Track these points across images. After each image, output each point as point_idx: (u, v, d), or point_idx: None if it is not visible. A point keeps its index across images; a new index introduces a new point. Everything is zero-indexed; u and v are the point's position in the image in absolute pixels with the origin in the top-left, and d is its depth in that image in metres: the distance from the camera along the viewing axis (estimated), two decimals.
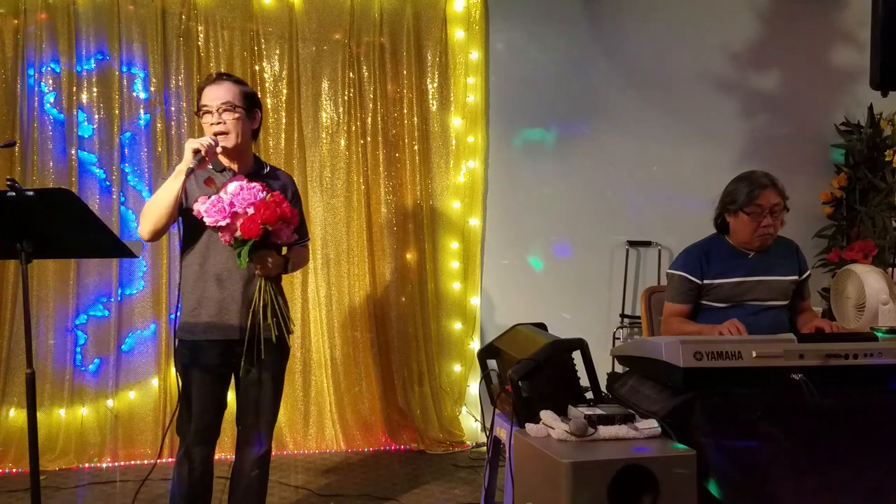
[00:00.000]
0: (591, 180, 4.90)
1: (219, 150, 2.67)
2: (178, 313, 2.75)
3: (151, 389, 4.31)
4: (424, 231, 4.65)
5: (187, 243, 2.77)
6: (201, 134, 2.76)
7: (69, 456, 4.16)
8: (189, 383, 2.72)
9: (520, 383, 2.41)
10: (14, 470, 4.03)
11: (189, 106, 4.30)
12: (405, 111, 4.63)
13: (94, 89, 4.27)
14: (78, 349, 4.25)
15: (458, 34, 4.69)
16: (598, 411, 2.32)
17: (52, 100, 4.23)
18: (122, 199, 4.30)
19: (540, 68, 4.83)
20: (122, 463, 4.22)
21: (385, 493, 3.83)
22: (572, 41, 4.86)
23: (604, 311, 4.89)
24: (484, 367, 2.92)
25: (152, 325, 4.33)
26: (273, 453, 2.92)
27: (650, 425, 2.29)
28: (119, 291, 4.29)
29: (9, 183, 2.18)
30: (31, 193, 2.16)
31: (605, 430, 2.27)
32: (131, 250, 2.47)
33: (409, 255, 4.66)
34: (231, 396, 2.84)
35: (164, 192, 2.61)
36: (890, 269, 4.48)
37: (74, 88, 4.23)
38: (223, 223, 2.53)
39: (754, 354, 2.37)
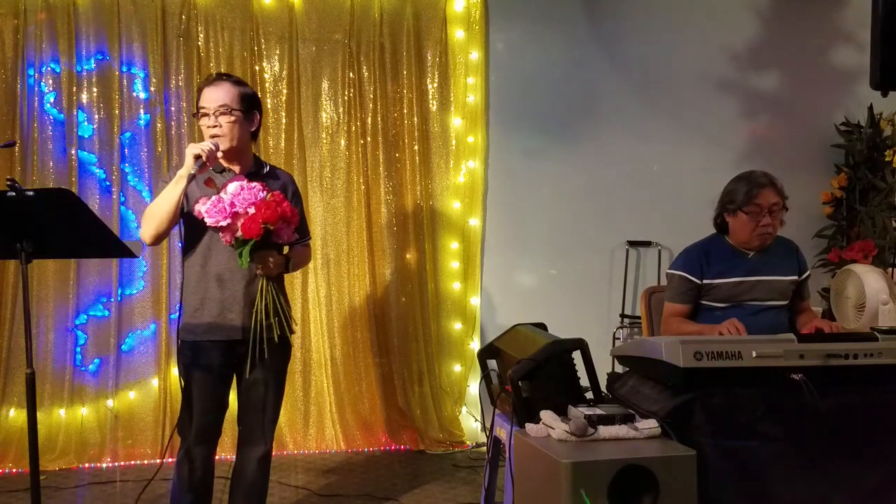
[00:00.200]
0: (591, 180, 4.90)
1: (219, 154, 2.68)
2: (181, 314, 2.76)
3: (151, 389, 4.31)
4: (424, 231, 4.65)
5: (189, 244, 2.77)
6: (200, 135, 2.77)
7: (69, 456, 4.16)
8: (191, 383, 2.73)
9: (520, 383, 2.41)
10: (14, 470, 4.03)
11: (189, 106, 4.30)
12: (405, 111, 4.62)
13: (94, 89, 4.27)
14: (78, 349, 4.25)
15: (458, 34, 4.69)
16: (598, 411, 2.32)
17: (52, 100, 4.23)
18: (122, 199, 4.29)
19: (540, 68, 4.83)
20: (122, 463, 4.22)
21: (385, 493, 3.83)
22: (572, 41, 4.86)
23: (604, 311, 4.89)
24: (484, 367, 2.92)
25: (152, 325, 4.33)
26: (273, 453, 2.92)
27: (650, 425, 2.29)
28: (119, 291, 4.29)
29: (9, 183, 2.18)
30: (31, 193, 2.16)
31: (605, 430, 2.27)
32: (131, 250, 2.48)
33: (409, 255, 4.66)
34: (232, 396, 2.85)
35: (166, 197, 2.62)
36: (890, 269, 4.48)
37: (74, 88, 4.23)
38: (224, 223, 2.53)
39: (754, 354, 2.37)
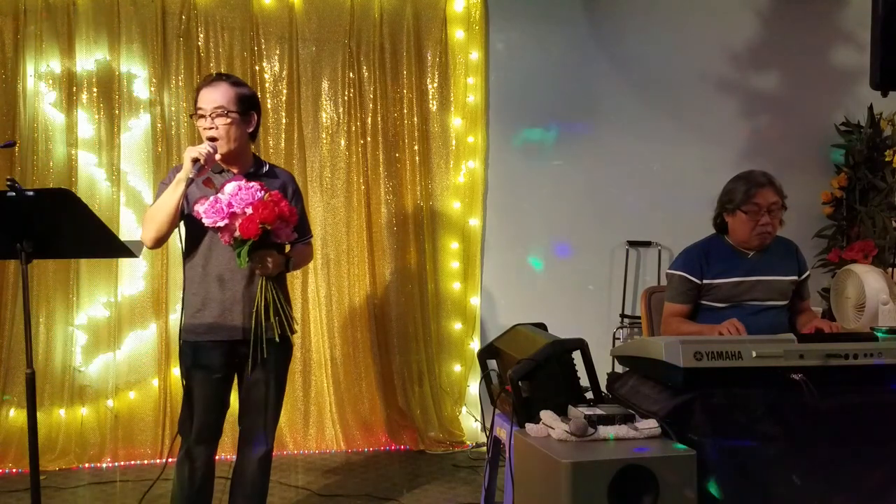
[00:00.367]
0: (591, 180, 4.90)
1: (217, 157, 2.68)
2: (182, 314, 2.76)
3: (151, 389, 4.31)
4: (424, 231, 4.65)
5: (190, 245, 2.78)
6: (200, 135, 2.76)
7: (69, 456, 4.16)
8: (192, 383, 2.73)
9: (520, 383, 2.41)
10: (14, 470, 4.03)
11: (189, 106, 4.30)
12: (405, 111, 4.62)
13: (94, 89, 4.26)
14: (78, 349, 4.25)
15: (458, 34, 4.69)
16: (598, 411, 2.32)
17: (52, 100, 4.23)
18: (122, 199, 4.30)
19: (540, 68, 4.83)
20: (122, 463, 4.22)
21: (385, 493, 3.83)
22: (572, 41, 4.86)
23: (604, 311, 4.89)
24: (484, 367, 2.92)
25: (152, 325, 4.33)
26: (273, 453, 2.91)
27: (650, 425, 2.29)
28: (119, 291, 4.29)
29: (9, 183, 2.18)
30: (31, 193, 2.16)
31: (605, 430, 2.27)
32: (131, 250, 2.48)
33: (409, 255, 4.66)
34: (233, 396, 2.85)
35: (165, 200, 2.62)
36: (890, 269, 4.48)
37: (74, 88, 4.23)
38: (221, 224, 2.54)
39: (754, 354, 2.37)
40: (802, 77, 5.09)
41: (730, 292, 3.08)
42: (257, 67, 4.45)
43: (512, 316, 4.56)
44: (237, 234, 2.54)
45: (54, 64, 4.22)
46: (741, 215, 3.07)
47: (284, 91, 4.49)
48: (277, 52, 4.48)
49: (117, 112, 4.27)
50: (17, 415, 4.14)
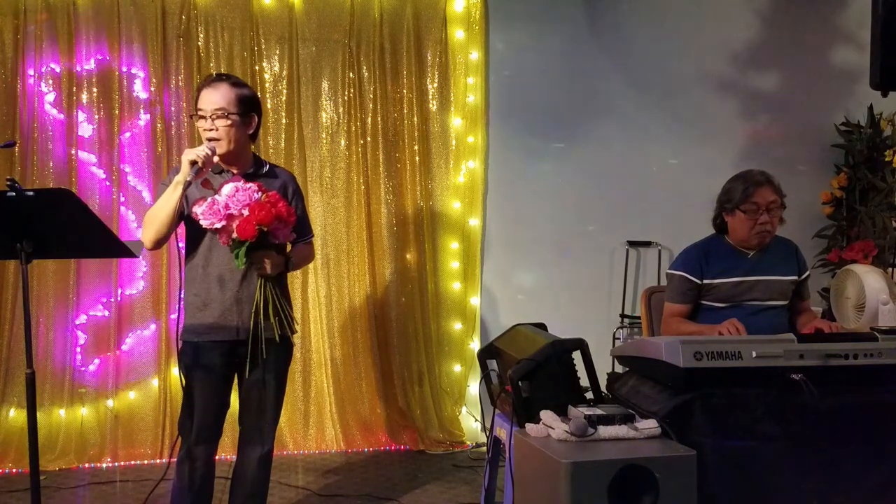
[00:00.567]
0: (590, 180, 4.90)
1: (215, 159, 2.67)
2: (182, 315, 2.76)
3: (151, 389, 4.31)
4: (424, 231, 4.65)
5: (190, 245, 2.78)
6: (201, 136, 2.76)
7: (69, 456, 4.16)
8: (192, 384, 2.73)
9: (520, 383, 2.41)
10: (14, 470, 4.02)
11: (189, 106, 4.30)
12: (405, 111, 4.62)
13: (94, 89, 4.26)
14: (78, 349, 4.25)
15: (458, 34, 4.69)
16: (598, 411, 2.32)
17: (52, 100, 4.23)
18: (122, 199, 4.30)
19: (540, 68, 4.83)
20: (122, 463, 4.22)
21: (385, 493, 3.83)
22: (572, 41, 4.85)
23: (604, 311, 4.89)
24: (484, 367, 2.92)
25: (152, 325, 4.33)
26: (273, 453, 2.91)
27: (650, 425, 2.29)
28: (119, 291, 4.29)
29: (9, 183, 2.18)
30: (31, 193, 2.16)
31: (605, 430, 2.27)
32: (131, 250, 2.47)
33: (409, 255, 4.66)
34: (233, 396, 2.85)
35: (164, 202, 2.63)
36: (890, 269, 4.48)
37: (74, 88, 4.23)
38: (219, 225, 2.54)
39: (754, 354, 2.37)
40: (802, 77, 5.09)
41: (730, 292, 3.08)
42: (257, 67, 4.45)
43: (512, 316, 4.57)
44: (234, 235, 2.54)
45: (54, 64, 4.22)
46: (740, 214, 3.08)
47: (284, 91, 4.49)
48: (277, 52, 4.48)
49: (117, 112, 4.27)
50: (17, 415, 4.14)
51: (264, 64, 4.48)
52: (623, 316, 4.85)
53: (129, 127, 4.32)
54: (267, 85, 4.47)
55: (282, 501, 3.72)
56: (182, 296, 2.77)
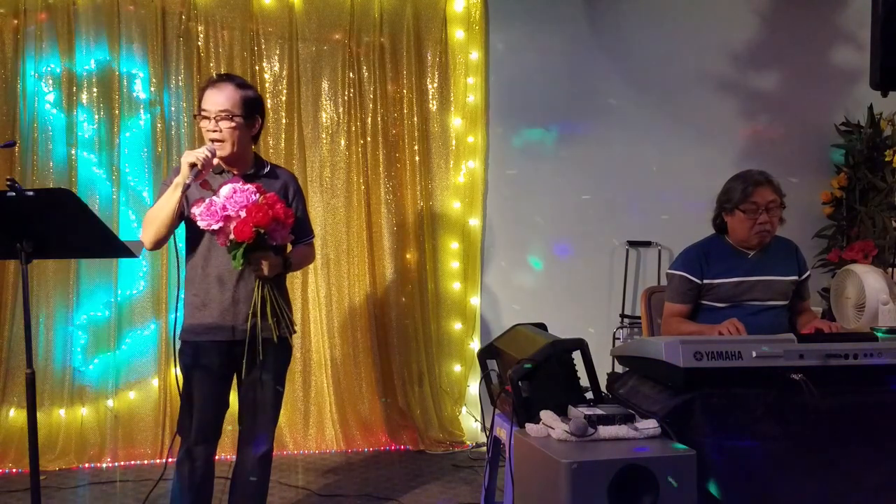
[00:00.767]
0: (590, 180, 4.90)
1: (215, 161, 2.67)
2: (181, 315, 2.76)
3: (151, 389, 4.31)
4: (424, 231, 4.65)
5: (190, 245, 2.78)
6: (201, 135, 2.76)
7: (69, 456, 4.16)
8: (191, 383, 2.73)
9: (520, 383, 2.41)
10: (14, 470, 4.03)
11: (189, 106, 4.30)
12: (405, 111, 4.62)
13: (94, 89, 4.26)
14: (78, 349, 4.25)
15: (458, 34, 4.69)
16: (598, 411, 2.32)
17: (52, 100, 4.23)
18: (122, 199, 4.29)
19: (540, 68, 4.83)
20: (122, 463, 4.22)
21: (385, 493, 3.83)
22: (572, 41, 4.85)
23: (604, 311, 4.89)
24: (484, 367, 2.92)
25: (152, 325, 4.33)
26: (273, 453, 2.91)
27: (650, 425, 2.29)
28: (119, 291, 4.29)
29: (9, 183, 2.18)
30: (31, 193, 2.16)
31: (605, 430, 2.27)
32: (131, 250, 2.47)
33: (409, 255, 4.66)
34: (233, 396, 2.85)
35: (163, 204, 2.63)
36: (890, 269, 4.48)
37: (74, 88, 4.23)
38: (216, 227, 2.54)
39: (754, 354, 2.37)
40: (802, 77, 5.09)
41: (730, 292, 3.08)
42: (257, 67, 4.45)
43: (512, 316, 4.58)
44: (232, 236, 2.54)
45: (54, 64, 4.22)
46: (740, 214, 3.08)
47: (284, 91, 4.49)
48: (277, 52, 4.48)
49: (117, 112, 4.27)
50: (17, 415, 4.14)
51: (264, 64, 4.48)
52: (623, 316, 4.85)
53: (129, 127, 4.31)
54: (267, 85, 4.47)
55: (282, 501, 3.72)
56: (181, 295, 2.77)
